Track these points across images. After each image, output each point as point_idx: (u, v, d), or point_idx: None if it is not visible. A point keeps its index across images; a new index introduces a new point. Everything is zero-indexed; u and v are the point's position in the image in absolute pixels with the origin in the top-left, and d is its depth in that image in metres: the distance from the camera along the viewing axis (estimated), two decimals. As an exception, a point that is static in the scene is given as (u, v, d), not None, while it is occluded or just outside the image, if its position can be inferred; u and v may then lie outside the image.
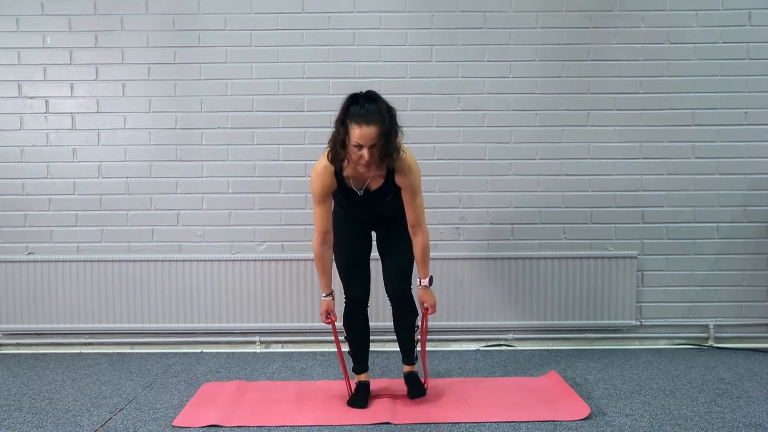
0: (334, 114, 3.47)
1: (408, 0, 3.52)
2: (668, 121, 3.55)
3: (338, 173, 2.54)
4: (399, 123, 2.46)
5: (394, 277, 2.71)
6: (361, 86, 3.45)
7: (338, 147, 2.44)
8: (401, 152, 2.49)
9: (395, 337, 2.83)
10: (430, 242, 2.65)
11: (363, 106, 2.39)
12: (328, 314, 2.67)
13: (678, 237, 3.58)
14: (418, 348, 2.81)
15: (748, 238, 3.58)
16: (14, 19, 3.52)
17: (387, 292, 2.77)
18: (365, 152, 2.37)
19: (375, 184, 2.57)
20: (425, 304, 2.68)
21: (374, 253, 2.81)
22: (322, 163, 2.54)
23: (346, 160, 2.48)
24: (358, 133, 2.36)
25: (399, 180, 2.54)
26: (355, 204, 2.63)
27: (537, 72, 3.54)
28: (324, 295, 2.67)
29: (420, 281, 2.66)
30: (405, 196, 2.57)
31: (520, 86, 3.54)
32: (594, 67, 3.54)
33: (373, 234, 2.82)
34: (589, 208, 3.58)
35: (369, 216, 2.70)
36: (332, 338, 3.53)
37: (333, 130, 2.47)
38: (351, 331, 2.77)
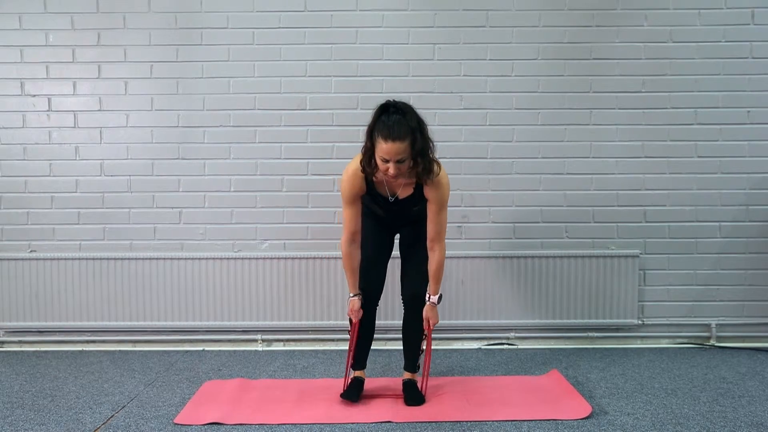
0: (336, 112, 3.56)
1: (410, -2, 3.53)
2: (671, 120, 3.54)
3: (368, 177, 2.54)
4: (430, 138, 2.45)
5: (412, 280, 2.72)
6: (363, 85, 3.53)
7: (366, 159, 2.44)
8: (436, 168, 2.47)
9: (400, 338, 2.82)
10: None
11: (390, 118, 2.36)
12: (357, 313, 2.68)
13: (680, 236, 3.58)
14: (422, 358, 2.79)
15: (751, 237, 3.57)
16: (17, 17, 3.52)
17: (402, 294, 2.78)
18: (391, 166, 2.38)
19: (404, 193, 2.58)
20: (429, 321, 2.68)
21: (395, 252, 2.83)
22: (353, 165, 2.53)
23: (377, 168, 2.47)
24: (384, 147, 2.35)
25: (427, 192, 2.54)
26: (382, 208, 2.64)
27: (539, 71, 3.53)
28: (352, 295, 2.68)
29: (429, 297, 2.67)
30: (430, 209, 2.57)
31: (523, 85, 3.54)
32: (596, 65, 3.53)
33: (397, 236, 2.83)
34: (591, 206, 3.58)
35: (394, 219, 2.69)
36: (333, 337, 3.58)
37: (363, 138, 2.46)
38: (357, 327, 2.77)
